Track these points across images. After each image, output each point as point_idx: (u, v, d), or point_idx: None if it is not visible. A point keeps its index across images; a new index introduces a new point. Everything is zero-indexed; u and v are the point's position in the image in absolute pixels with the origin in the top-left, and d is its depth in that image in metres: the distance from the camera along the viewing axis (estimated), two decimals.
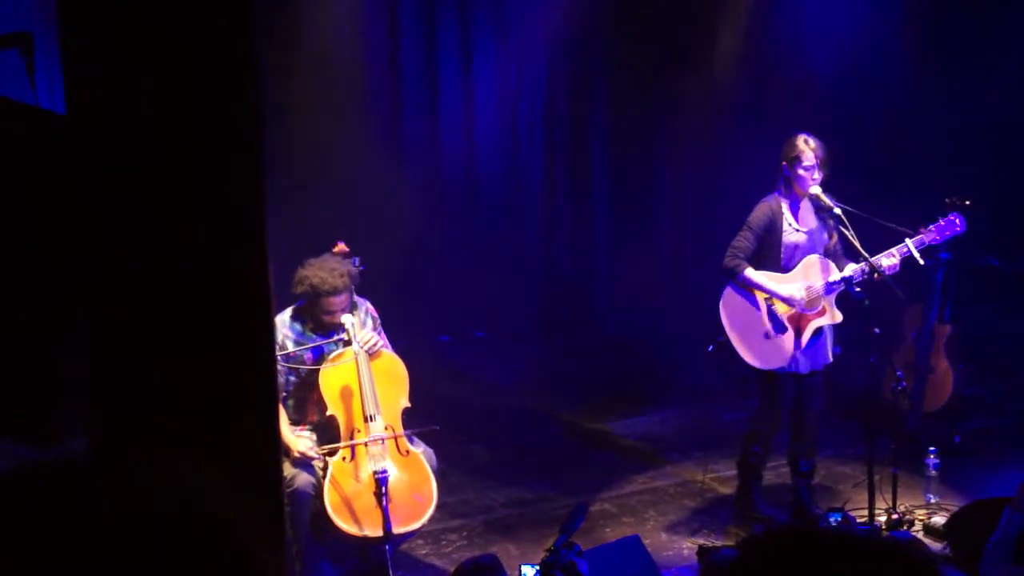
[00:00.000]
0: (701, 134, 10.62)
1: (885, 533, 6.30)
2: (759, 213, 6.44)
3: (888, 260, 6.27)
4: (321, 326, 5.90)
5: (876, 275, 6.22)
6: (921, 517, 6.60)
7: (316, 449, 5.74)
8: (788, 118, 8.56)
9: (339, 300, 5.82)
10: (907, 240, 6.29)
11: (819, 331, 6.47)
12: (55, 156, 1.73)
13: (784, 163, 6.40)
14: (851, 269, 6.34)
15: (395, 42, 9.61)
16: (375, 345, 5.89)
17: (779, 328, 6.42)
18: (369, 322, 6.02)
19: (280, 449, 1.73)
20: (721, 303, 6.52)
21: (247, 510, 1.50)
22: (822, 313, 6.43)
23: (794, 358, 6.44)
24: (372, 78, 9.56)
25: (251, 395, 1.69)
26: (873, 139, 10.59)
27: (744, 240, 6.41)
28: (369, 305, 6.08)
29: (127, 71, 1.71)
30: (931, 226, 6.37)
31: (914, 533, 6.46)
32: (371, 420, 5.74)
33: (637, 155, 10.58)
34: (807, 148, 6.32)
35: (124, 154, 1.70)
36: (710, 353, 6.59)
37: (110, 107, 1.71)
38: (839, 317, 6.47)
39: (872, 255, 6.25)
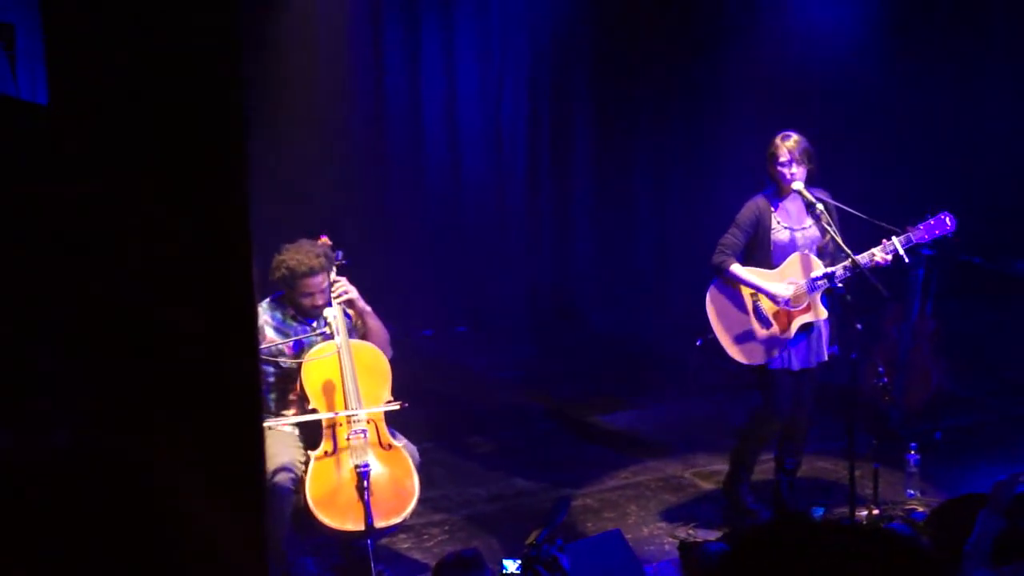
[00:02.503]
0: (685, 130, 10.64)
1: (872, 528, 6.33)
2: (746, 211, 6.49)
3: (881, 254, 6.28)
4: (302, 311, 5.90)
5: (875, 255, 6.25)
6: (901, 513, 6.63)
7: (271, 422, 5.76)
8: (773, 116, 8.57)
9: (317, 281, 5.80)
10: (894, 238, 6.30)
11: (809, 328, 6.49)
12: (37, 149, 1.72)
13: (767, 162, 6.45)
14: (835, 265, 6.36)
15: (378, 40, 9.60)
16: (347, 293, 5.91)
17: (765, 324, 6.44)
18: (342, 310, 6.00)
19: (263, 445, 1.73)
20: (707, 300, 6.55)
21: (228, 506, 1.50)
22: (807, 310, 6.45)
23: (784, 354, 6.46)
24: (355, 75, 9.55)
25: (234, 390, 1.68)
26: (859, 140, 10.61)
27: (732, 237, 6.46)
28: (344, 281, 6.03)
29: (111, 64, 1.70)
30: (919, 224, 6.37)
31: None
32: (351, 411, 5.74)
33: (621, 150, 10.60)
34: (782, 145, 6.36)
35: (107, 148, 1.69)
36: (698, 349, 6.61)
37: (93, 100, 1.71)
38: (824, 314, 6.49)
39: (863, 251, 6.27)
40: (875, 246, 6.30)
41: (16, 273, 1.59)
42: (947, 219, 6.38)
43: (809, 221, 6.49)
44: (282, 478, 5.56)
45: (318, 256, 5.79)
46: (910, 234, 6.34)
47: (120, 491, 1.18)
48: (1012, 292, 9.89)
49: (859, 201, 6.51)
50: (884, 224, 6.31)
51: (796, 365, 6.50)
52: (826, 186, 6.55)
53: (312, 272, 5.77)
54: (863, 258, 6.25)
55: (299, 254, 5.78)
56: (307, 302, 5.85)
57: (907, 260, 6.37)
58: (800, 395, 6.60)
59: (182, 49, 1.73)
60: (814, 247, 6.50)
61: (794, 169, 6.34)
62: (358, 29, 9.49)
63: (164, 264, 1.66)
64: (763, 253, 6.47)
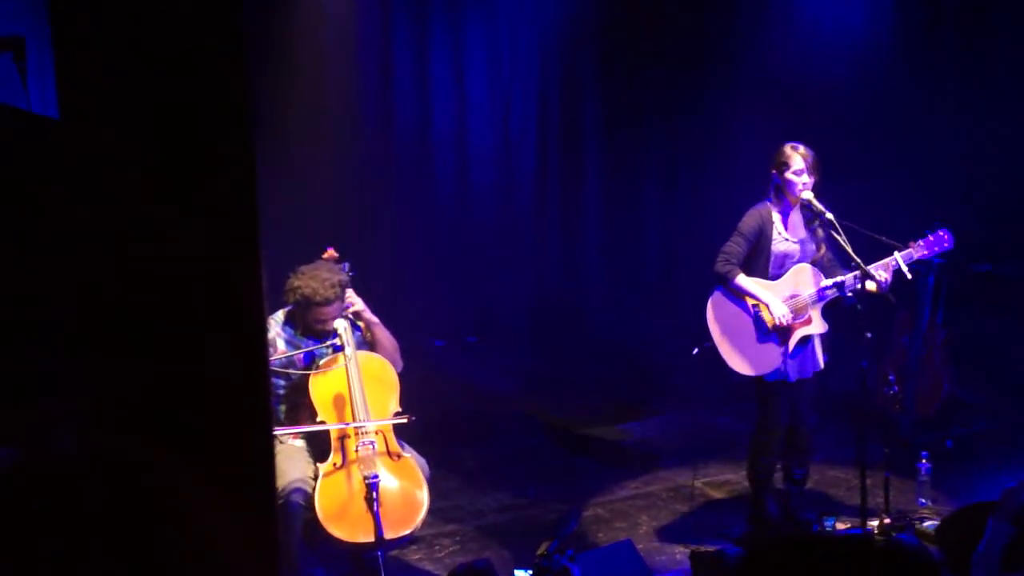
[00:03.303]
0: (693, 137, 10.64)
1: (881, 537, 6.30)
2: (750, 220, 6.43)
3: (880, 274, 6.26)
4: (312, 332, 5.92)
5: (867, 282, 6.21)
6: (914, 522, 6.61)
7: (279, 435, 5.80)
8: (781, 122, 8.57)
9: (331, 310, 5.84)
10: (896, 254, 6.30)
11: (807, 339, 6.47)
12: (47, 160, 1.73)
13: (774, 171, 6.40)
14: (847, 275, 6.34)
15: (387, 44, 9.60)
16: (352, 305, 5.93)
17: (764, 335, 6.41)
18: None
19: (273, 454, 1.73)
20: (708, 308, 6.49)
21: (238, 513, 1.50)
22: (808, 322, 6.43)
23: (781, 366, 6.44)
24: (364, 82, 9.56)
25: (244, 399, 1.69)
26: (866, 144, 10.59)
27: (736, 246, 6.40)
28: (352, 293, 6.06)
29: (121, 74, 1.71)
30: (920, 241, 6.36)
31: None
32: (359, 423, 5.75)
33: (629, 159, 10.59)
34: (795, 154, 6.33)
35: (117, 159, 1.70)
36: (695, 357, 6.57)
37: (103, 112, 1.72)
38: (825, 327, 6.47)
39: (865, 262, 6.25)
40: (876, 260, 6.28)
41: (24, 277, 1.59)
42: (945, 236, 6.38)
43: (808, 234, 6.47)
44: (294, 494, 5.57)
45: (333, 286, 5.81)
46: (911, 251, 6.33)
47: (121, 492, 1.18)
48: (1022, 299, 9.86)
49: (865, 203, 6.49)
50: (884, 239, 6.29)
51: (792, 376, 6.48)
52: (834, 196, 6.51)
53: (327, 302, 5.81)
54: (872, 268, 6.23)
55: (315, 282, 5.80)
56: (319, 326, 5.89)
57: (909, 276, 6.34)
58: (798, 404, 6.58)
59: (190, 59, 1.74)
60: (809, 259, 6.49)
61: (806, 178, 6.32)
62: (367, 32, 9.50)
63: (171, 267, 1.66)
64: (762, 263, 6.44)
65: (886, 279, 6.26)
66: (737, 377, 6.53)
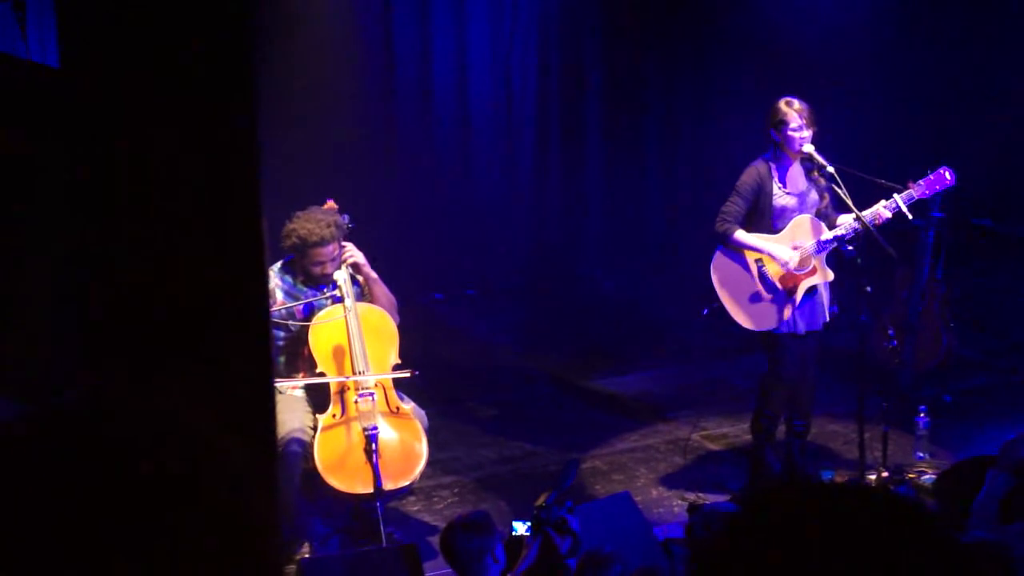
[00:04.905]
0: (695, 91, 10.59)
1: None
2: (747, 178, 6.41)
3: (885, 210, 6.25)
4: (311, 279, 5.91)
5: (864, 228, 6.21)
6: (911, 475, 6.63)
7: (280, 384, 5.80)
8: (782, 77, 8.52)
9: (327, 251, 5.82)
10: (895, 195, 6.28)
11: (813, 290, 6.46)
12: (48, 110, 1.73)
13: (771, 129, 6.36)
14: (843, 227, 6.33)
15: (388, 3, 9.55)
16: (352, 256, 5.91)
17: (770, 289, 6.40)
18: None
19: (274, 396, 1.74)
20: (712, 268, 6.47)
21: (243, 451, 1.50)
22: (813, 272, 6.42)
23: (790, 319, 6.43)
24: (365, 36, 9.52)
25: (245, 340, 1.70)
26: (867, 100, 10.55)
27: (734, 205, 6.38)
28: (352, 247, 6.04)
29: (123, 24, 1.70)
30: (920, 180, 6.34)
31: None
32: (360, 376, 5.76)
33: (630, 111, 10.56)
34: (791, 110, 6.28)
35: (118, 109, 1.69)
36: (704, 318, 6.56)
37: (105, 61, 1.71)
38: (831, 275, 6.46)
39: (862, 210, 6.24)
40: (876, 204, 6.27)
41: (19, 233, 1.59)
42: (946, 173, 6.35)
43: (809, 185, 6.45)
44: (292, 443, 5.59)
45: (328, 226, 5.80)
46: (912, 190, 6.31)
47: (133, 441, 1.18)
48: (1021, 254, 9.85)
49: (865, 159, 6.47)
50: (883, 182, 6.28)
51: (802, 328, 6.47)
52: (833, 150, 6.49)
53: (323, 242, 5.78)
54: (868, 215, 6.22)
55: (310, 223, 5.79)
56: (317, 270, 5.86)
57: (910, 217, 6.32)
58: (805, 357, 6.58)
59: (192, 9, 1.73)
60: (812, 211, 6.47)
61: (804, 133, 6.29)
62: None
63: (172, 218, 1.66)
64: (764, 218, 6.42)
65: (885, 216, 6.26)
66: (747, 332, 6.53)
